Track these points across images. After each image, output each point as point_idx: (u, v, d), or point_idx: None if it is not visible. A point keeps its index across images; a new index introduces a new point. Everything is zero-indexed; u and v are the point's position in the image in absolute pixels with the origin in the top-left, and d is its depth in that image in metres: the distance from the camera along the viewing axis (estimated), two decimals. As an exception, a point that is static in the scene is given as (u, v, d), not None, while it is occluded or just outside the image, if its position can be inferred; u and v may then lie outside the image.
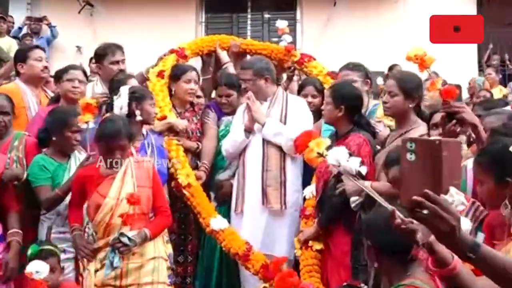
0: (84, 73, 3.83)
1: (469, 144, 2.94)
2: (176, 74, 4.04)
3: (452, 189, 1.29)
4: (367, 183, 2.84)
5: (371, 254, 1.93)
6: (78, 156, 3.29)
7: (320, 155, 2.40)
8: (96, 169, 2.95)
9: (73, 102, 3.57)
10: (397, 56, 7.32)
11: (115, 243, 2.76)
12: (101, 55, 4.04)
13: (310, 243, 3.30)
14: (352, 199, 2.99)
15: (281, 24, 4.56)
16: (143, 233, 2.85)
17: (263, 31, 8.90)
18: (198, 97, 4.36)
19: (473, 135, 2.42)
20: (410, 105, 3.02)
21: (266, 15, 8.97)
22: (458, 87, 2.50)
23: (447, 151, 1.27)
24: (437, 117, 2.83)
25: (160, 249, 2.99)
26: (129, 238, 2.76)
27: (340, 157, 2.47)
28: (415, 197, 1.25)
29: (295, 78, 4.69)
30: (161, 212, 3.02)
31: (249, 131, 3.67)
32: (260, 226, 3.58)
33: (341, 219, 3.13)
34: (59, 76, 3.70)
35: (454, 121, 2.35)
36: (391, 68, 6.83)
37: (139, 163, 3.00)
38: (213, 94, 4.41)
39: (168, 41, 5.70)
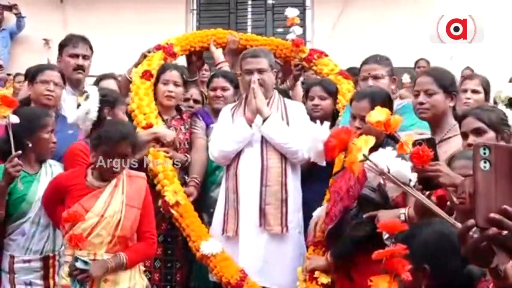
0: (62, 75, 3.81)
1: None
2: (158, 74, 4.14)
3: None
4: (404, 210, 2.86)
5: (418, 279, 1.96)
6: (51, 164, 3.34)
7: (366, 158, 2.15)
8: (81, 178, 3.02)
9: (47, 108, 3.59)
10: (425, 49, 7.47)
11: (72, 271, 2.82)
12: (62, 46, 4.10)
13: (316, 274, 3.31)
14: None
15: (291, 12, 4.59)
16: (119, 258, 2.92)
17: (266, 19, 8.94)
18: (196, 101, 4.45)
19: (454, 199, 2.32)
20: (450, 104, 3.08)
21: (270, 1, 9.01)
22: (431, 141, 2.37)
23: None
24: (467, 125, 2.81)
25: (137, 280, 3.05)
26: (84, 262, 2.82)
27: (389, 161, 2.16)
28: (492, 215, 1.22)
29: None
30: (145, 238, 3.08)
31: (249, 124, 3.68)
32: (258, 252, 3.59)
33: (369, 245, 3.07)
34: (32, 76, 3.72)
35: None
36: (417, 63, 6.93)
37: (132, 178, 3.08)
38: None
39: (154, 33, 5.81)
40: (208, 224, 3.92)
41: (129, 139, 2.98)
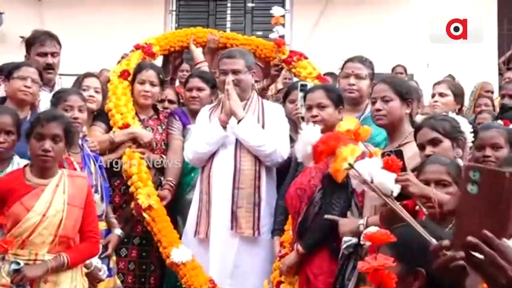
0: (40, 72, 3.72)
1: None
2: (134, 74, 4.12)
3: None
4: (362, 221, 2.87)
5: (407, 283, 1.96)
6: (19, 162, 3.28)
7: (351, 166, 2.15)
8: (20, 178, 2.97)
9: (22, 104, 3.55)
10: (403, 54, 7.54)
11: (12, 279, 2.78)
12: (30, 43, 4.03)
13: (282, 286, 3.27)
14: (345, 239, 2.95)
15: (277, 11, 4.57)
16: (60, 258, 2.89)
17: (245, 22, 8.95)
18: (171, 102, 4.45)
19: (423, 209, 2.33)
20: (407, 111, 3.13)
21: (250, 4, 9.02)
22: (399, 152, 2.43)
23: None
24: (422, 136, 2.85)
25: (78, 281, 3.02)
26: (16, 262, 2.79)
27: (374, 171, 2.15)
28: (470, 238, 1.23)
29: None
30: (88, 238, 3.04)
31: (224, 126, 3.66)
32: (229, 255, 3.58)
33: (325, 243, 3.10)
34: (9, 72, 3.64)
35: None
36: (394, 69, 6.99)
37: (73, 178, 3.05)
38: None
39: (132, 34, 5.79)
40: (183, 227, 3.91)
41: (59, 120, 2.97)
